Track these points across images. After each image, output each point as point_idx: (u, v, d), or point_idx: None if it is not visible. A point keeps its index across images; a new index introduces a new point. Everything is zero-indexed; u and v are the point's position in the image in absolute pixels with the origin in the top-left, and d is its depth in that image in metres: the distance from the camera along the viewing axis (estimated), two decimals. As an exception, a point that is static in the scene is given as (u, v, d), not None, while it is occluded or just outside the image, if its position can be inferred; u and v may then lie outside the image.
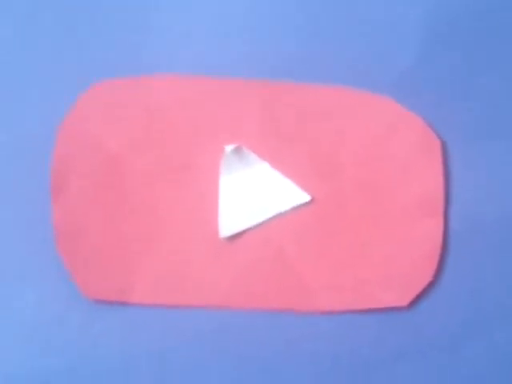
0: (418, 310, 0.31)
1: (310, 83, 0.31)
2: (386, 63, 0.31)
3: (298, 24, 0.32)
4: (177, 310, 0.30)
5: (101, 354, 0.30)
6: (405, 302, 0.30)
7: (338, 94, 0.31)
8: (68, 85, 0.31)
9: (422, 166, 0.31)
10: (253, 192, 0.31)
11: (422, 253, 0.30)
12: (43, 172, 0.31)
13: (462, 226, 0.31)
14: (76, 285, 0.30)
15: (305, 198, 0.31)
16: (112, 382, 0.30)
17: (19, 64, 0.31)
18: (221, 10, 0.32)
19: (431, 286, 0.31)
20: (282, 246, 0.31)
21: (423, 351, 0.30)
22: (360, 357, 0.30)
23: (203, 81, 0.31)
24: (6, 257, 0.31)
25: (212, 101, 0.31)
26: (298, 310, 0.30)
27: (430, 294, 0.31)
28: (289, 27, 0.32)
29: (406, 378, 0.30)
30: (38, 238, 0.31)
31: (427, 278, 0.30)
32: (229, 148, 0.31)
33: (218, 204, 0.31)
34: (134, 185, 0.31)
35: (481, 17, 0.32)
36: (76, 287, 0.30)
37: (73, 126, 0.31)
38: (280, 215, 0.31)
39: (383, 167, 0.31)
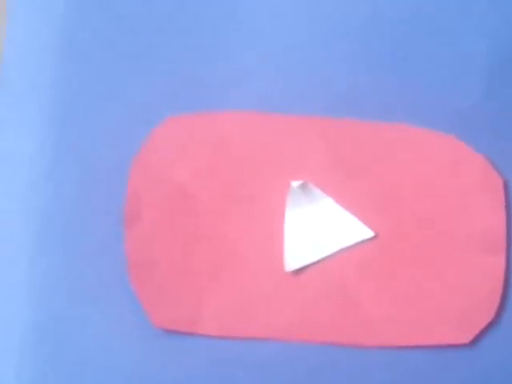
0: (479, 348, 0.30)
1: (373, 120, 0.32)
2: (449, 100, 0.32)
3: (361, 61, 0.32)
4: (240, 341, 0.31)
5: (165, 382, 0.31)
6: (466, 339, 0.30)
7: (400, 131, 0.31)
8: (144, 118, 0.32)
9: (483, 204, 0.31)
10: (317, 227, 0.31)
11: (484, 290, 0.30)
12: (117, 202, 0.32)
13: (524, 263, 0.31)
14: (146, 314, 0.31)
15: (368, 233, 0.31)
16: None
17: (98, 96, 0.32)
18: (287, 47, 0.32)
19: (493, 323, 0.30)
20: (345, 280, 0.31)
21: (482, 389, 0.30)
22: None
23: (270, 117, 0.32)
24: (79, 284, 0.31)
25: (278, 137, 0.32)
26: (358, 344, 0.31)
27: (492, 332, 0.30)
28: (352, 64, 0.32)
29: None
30: (110, 266, 0.31)
31: (489, 315, 0.30)
32: (295, 183, 0.31)
33: (283, 238, 0.31)
34: (204, 217, 0.32)
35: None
36: (145, 316, 0.31)
37: (147, 158, 0.32)
38: (343, 250, 0.31)
39: (445, 204, 0.31)
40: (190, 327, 0.31)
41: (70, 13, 0.33)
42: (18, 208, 0.32)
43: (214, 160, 0.32)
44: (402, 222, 0.31)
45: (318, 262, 0.31)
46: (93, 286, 0.31)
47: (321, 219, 0.32)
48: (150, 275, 0.31)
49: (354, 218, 0.31)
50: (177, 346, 0.31)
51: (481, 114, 0.32)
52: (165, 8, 0.33)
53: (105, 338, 0.31)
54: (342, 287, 0.31)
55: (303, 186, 0.31)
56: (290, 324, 0.31)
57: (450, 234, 0.31)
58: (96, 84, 0.33)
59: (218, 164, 0.32)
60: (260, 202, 0.32)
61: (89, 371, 0.31)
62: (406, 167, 0.31)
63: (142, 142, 0.32)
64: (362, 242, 0.31)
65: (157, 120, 0.32)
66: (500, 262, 0.31)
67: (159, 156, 0.32)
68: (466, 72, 0.32)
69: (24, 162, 0.32)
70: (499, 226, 0.31)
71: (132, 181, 0.32)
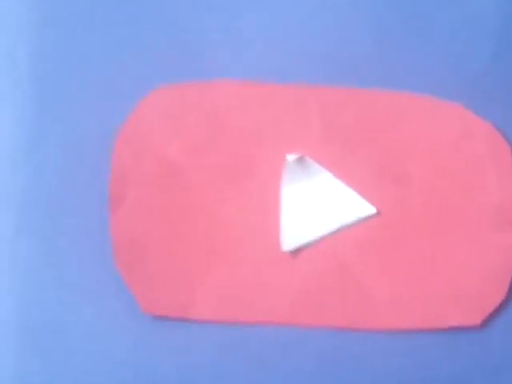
0: (490, 330, 0.30)
1: (375, 88, 0.31)
2: (455, 68, 0.31)
3: (363, 25, 0.31)
4: (235, 327, 0.30)
5: (158, 371, 0.30)
6: (477, 320, 0.29)
7: (404, 100, 0.30)
8: (132, 89, 0.31)
9: (493, 175, 0.30)
10: (316, 203, 0.30)
11: (495, 268, 0.29)
12: (103, 180, 0.30)
13: (537, 239, 0.30)
14: (135, 299, 0.30)
15: (370, 210, 0.30)
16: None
17: (81, 66, 0.31)
18: (283, 14, 0.31)
19: (505, 304, 0.29)
20: (346, 260, 0.30)
21: (494, 373, 0.29)
22: (426, 378, 0.29)
23: (265, 87, 0.31)
24: (63, 269, 0.30)
25: (274, 108, 0.31)
26: (362, 328, 0.30)
27: (504, 313, 0.30)
28: (354, 29, 0.31)
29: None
30: (96, 249, 0.30)
31: (501, 295, 0.29)
32: (291, 157, 0.30)
33: (279, 216, 0.30)
34: (195, 195, 0.30)
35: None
36: (135, 302, 0.30)
37: (133, 131, 0.31)
38: (344, 228, 0.30)
39: (452, 177, 0.30)
40: (183, 312, 0.30)
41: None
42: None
43: (205, 133, 0.31)
44: (406, 198, 0.30)
45: (317, 241, 0.30)
46: (79, 270, 0.30)
47: (319, 195, 0.30)
48: (138, 258, 0.30)
49: (354, 193, 0.30)
50: (169, 333, 0.30)
51: (488, 82, 0.31)
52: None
53: (92, 327, 0.30)
54: (343, 268, 0.30)
55: (300, 160, 0.30)
56: (287, 308, 0.30)
57: (458, 209, 0.30)
58: (79, 53, 0.31)
59: (210, 137, 0.31)
60: (254, 177, 0.30)
61: (76, 362, 0.30)
62: (409, 139, 0.30)
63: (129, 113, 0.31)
64: (364, 219, 0.30)
65: (146, 91, 0.31)
66: (511, 237, 0.29)
67: (146, 128, 0.31)
68: (473, 39, 0.31)
69: (2, 138, 0.31)
70: (509, 199, 0.30)
71: (116, 156, 0.30)
